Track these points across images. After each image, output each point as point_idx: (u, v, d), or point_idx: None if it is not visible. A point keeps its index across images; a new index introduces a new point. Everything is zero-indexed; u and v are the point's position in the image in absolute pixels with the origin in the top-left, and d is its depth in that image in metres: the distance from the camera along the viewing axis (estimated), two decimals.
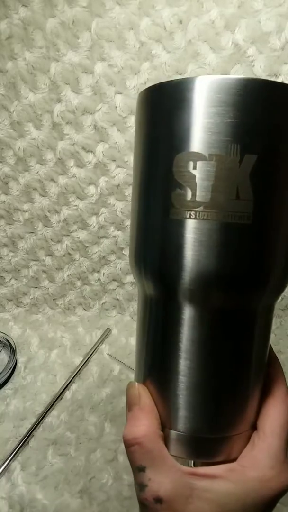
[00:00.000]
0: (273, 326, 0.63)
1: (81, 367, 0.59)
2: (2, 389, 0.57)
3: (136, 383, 0.29)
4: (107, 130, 0.61)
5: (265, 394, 0.29)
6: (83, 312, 0.72)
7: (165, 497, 0.24)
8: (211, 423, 0.27)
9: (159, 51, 0.57)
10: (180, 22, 0.56)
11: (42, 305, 0.73)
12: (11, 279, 0.72)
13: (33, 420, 0.51)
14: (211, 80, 0.23)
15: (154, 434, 0.26)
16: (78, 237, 0.68)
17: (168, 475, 0.25)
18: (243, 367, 0.27)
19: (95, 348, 0.63)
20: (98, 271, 0.70)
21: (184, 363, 0.26)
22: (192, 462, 0.29)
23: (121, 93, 0.59)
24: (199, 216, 0.23)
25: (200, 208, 0.23)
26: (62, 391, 0.55)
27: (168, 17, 0.55)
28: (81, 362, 0.60)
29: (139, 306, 0.30)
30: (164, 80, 0.25)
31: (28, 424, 0.51)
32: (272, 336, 0.61)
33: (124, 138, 0.61)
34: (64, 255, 0.69)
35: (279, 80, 0.55)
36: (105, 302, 0.72)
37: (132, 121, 0.60)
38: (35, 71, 0.60)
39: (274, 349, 0.61)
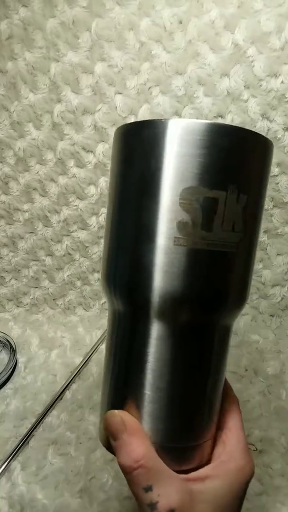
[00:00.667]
0: (274, 326, 0.64)
1: (81, 367, 0.59)
2: (2, 389, 0.57)
3: (116, 411, 0.29)
4: (107, 130, 0.61)
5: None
6: (83, 312, 0.72)
7: (177, 507, 0.26)
8: (187, 434, 0.29)
9: (159, 51, 0.57)
10: (180, 22, 0.56)
11: (42, 305, 0.73)
12: (11, 279, 0.72)
13: (33, 420, 0.51)
14: (220, 127, 0.26)
15: (151, 451, 0.27)
16: (78, 237, 0.68)
17: (173, 486, 0.27)
18: (208, 378, 0.30)
19: (95, 348, 0.63)
20: (98, 271, 0.70)
21: (154, 379, 0.29)
22: None
23: (121, 93, 0.59)
24: (199, 245, 0.27)
25: (202, 238, 0.27)
26: (62, 391, 0.55)
27: (168, 17, 0.55)
28: (81, 362, 0.60)
29: (108, 326, 0.32)
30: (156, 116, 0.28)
31: (28, 424, 0.51)
32: (272, 335, 0.62)
33: None
34: (64, 255, 0.69)
35: (279, 80, 0.55)
36: (105, 302, 0.72)
37: (132, 121, 0.60)
38: (35, 71, 0.60)
39: (274, 348, 0.62)
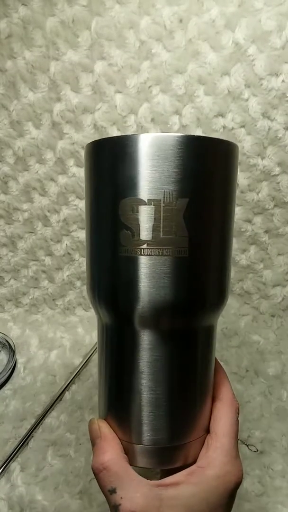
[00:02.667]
0: (274, 327, 0.64)
1: (81, 367, 0.59)
2: (2, 390, 0.57)
3: (96, 419, 0.32)
4: (107, 130, 0.61)
5: (214, 399, 0.33)
6: (83, 313, 0.71)
7: (140, 511, 0.26)
8: (169, 434, 0.30)
9: (159, 50, 0.57)
10: (180, 21, 0.56)
11: (42, 305, 0.73)
12: (10, 279, 0.72)
13: (32, 421, 0.51)
14: (150, 137, 0.27)
15: (118, 456, 0.29)
16: (78, 237, 0.68)
17: (137, 490, 0.27)
18: (193, 380, 0.31)
19: (94, 349, 0.62)
20: None
21: (140, 382, 0.30)
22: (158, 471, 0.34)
23: (121, 92, 0.59)
24: (143, 252, 0.28)
25: (144, 246, 0.28)
26: (62, 392, 0.55)
27: (168, 16, 0.55)
28: (81, 362, 0.60)
29: (98, 336, 0.34)
30: (109, 135, 0.28)
31: (27, 425, 0.51)
32: (272, 336, 0.62)
33: None
34: (63, 255, 0.69)
35: (279, 79, 0.55)
36: None
37: (132, 120, 0.60)
38: (35, 70, 0.60)
39: (275, 349, 0.61)
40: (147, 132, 0.33)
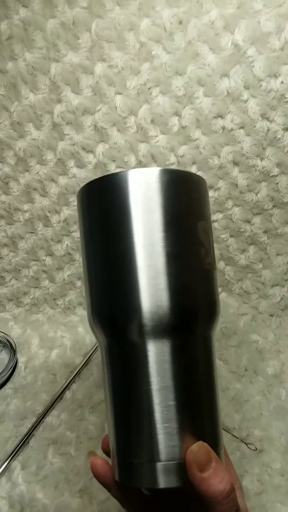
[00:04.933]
0: (273, 326, 0.64)
1: (81, 366, 0.59)
2: (3, 389, 0.57)
3: (202, 442, 0.30)
4: (107, 131, 0.61)
5: None
6: (83, 312, 0.72)
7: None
8: (183, 447, 0.29)
9: (159, 52, 0.57)
10: (180, 22, 0.56)
11: (43, 305, 0.73)
12: (11, 279, 0.72)
13: (33, 419, 0.51)
14: (172, 173, 0.32)
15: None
16: (78, 237, 0.68)
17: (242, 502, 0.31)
18: (210, 383, 0.32)
19: (95, 348, 0.63)
20: None
21: (153, 399, 0.30)
22: None
23: (121, 93, 0.59)
24: (207, 266, 0.32)
25: (208, 260, 0.32)
26: (62, 391, 0.55)
27: (168, 18, 0.56)
28: (81, 361, 0.60)
29: (103, 363, 0.34)
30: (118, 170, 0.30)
31: (28, 424, 0.51)
32: (271, 335, 0.62)
33: (124, 139, 0.61)
34: (64, 255, 0.69)
35: (279, 80, 0.55)
36: None
37: (132, 121, 0.60)
38: (36, 71, 0.60)
39: (274, 348, 0.62)
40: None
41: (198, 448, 0.29)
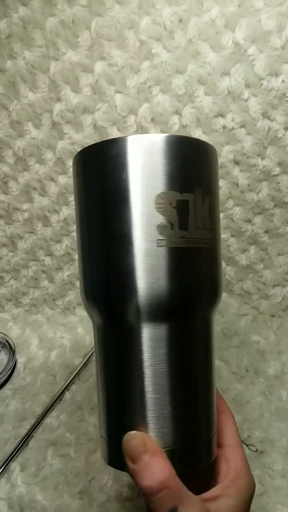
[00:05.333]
0: (274, 327, 0.64)
1: (81, 367, 0.59)
2: (2, 390, 0.57)
3: (136, 432, 0.29)
4: (107, 130, 0.61)
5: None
6: (83, 313, 0.71)
7: None
8: (180, 433, 0.29)
9: (159, 50, 0.57)
10: (180, 21, 0.56)
11: (42, 305, 0.73)
12: (10, 279, 0.72)
13: (32, 421, 0.51)
14: (176, 137, 0.30)
15: (174, 472, 0.27)
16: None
17: (195, 507, 0.27)
18: (207, 370, 0.32)
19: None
20: None
21: (146, 383, 0.29)
22: None
23: (121, 92, 0.59)
24: (177, 244, 0.29)
25: (180, 237, 0.29)
26: (62, 392, 0.55)
27: (168, 16, 0.55)
28: (81, 362, 0.60)
29: (96, 345, 0.33)
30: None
31: (27, 425, 0.51)
32: (272, 336, 0.62)
33: None
34: (63, 255, 0.69)
35: (279, 79, 0.55)
36: None
37: (132, 120, 0.60)
38: (35, 70, 0.60)
39: (275, 349, 0.61)
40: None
41: (130, 437, 0.29)
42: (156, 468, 0.27)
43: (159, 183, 0.29)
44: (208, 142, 0.32)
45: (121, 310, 0.30)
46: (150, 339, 0.29)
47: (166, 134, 0.29)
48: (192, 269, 0.30)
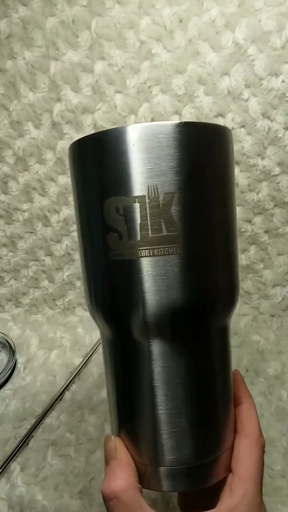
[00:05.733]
0: (274, 327, 0.64)
1: (81, 367, 0.59)
2: (2, 390, 0.57)
3: (113, 436, 0.29)
4: None
5: (238, 433, 0.30)
6: (83, 313, 0.71)
7: None
8: (194, 451, 0.27)
9: (159, 50, 0.57)
10: (180, 21, 0.55)
11: (42, 305, 0.73)
12: (10, 279, 0.72)
13: (32, 421, 0.51)
14: (127, 129, 0.25)
15: (132, 487, 0.26)
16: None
17: None
18: (212, 387, 0.29)
19: (95, 349, 0.62)
20: None
21: (154, 397, 0.27)
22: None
23: (121, 92, 0.59)
24: (135, 254, 0.25)
25: (135, 247, 0.25)
26: (62, 392, 0.55)
27: (168, 16, 0.55)
28: (81, 362, 0.60)
29: (104, 353, 0.31)
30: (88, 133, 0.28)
31: (27, 425, 0.50)
32: (272, 336, 0.62)
33: None
34: (63, 255, 0.69)
35: (279, 79, 0.55)
36: None
37: (132, 120, 0.60)
38: (35, 70, 0.60)
39: (275, 349, 0.61)
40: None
41: (107, 440, 0.29)
42: (115, 476, 0.27)
43: (106, 187, 0.26)
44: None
45: (127, 326, 0.27)
46: (154, 354, 0.27)
47: (109, 128, 0.25)
48: (156, 281, 0.26)
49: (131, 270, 0.26)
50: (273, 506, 0.42)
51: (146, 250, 0.25)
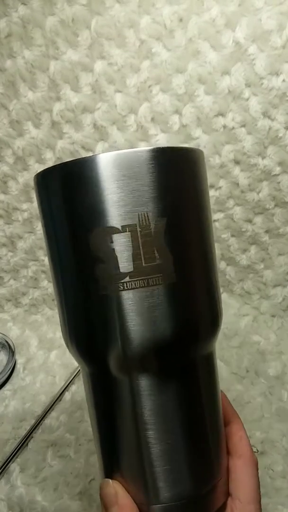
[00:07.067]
0: (275, 327, 0.63)
1: None
2: (1, 390, 0.57)
3: (110, 481, 0.28)
4: (107, 129, 0.61)
5: (231, 454, 0.30)
6: None
7: None
8: (191, 484, 0.27)
9: (159, 49, 0.57)
10: (181, 20, 0.55)
11: (41, 305, 0.72)
12: (10, 279, 0.72)
13: (32, 421, 0.51)
14: (109, 157, 0.24)
15: None
16: None
17: None
18: (203, 416, 0.28)
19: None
20: None
21: (146, 434, 0.26)
22: None
23: (121, 91, 0.59)
24: (126, 286, 0.24)
25: (126, 279, 0.24)
26: (62, 392, 0.55)
27: (168, 15, 0.55)
28: None
29: (85, 388, 0.30)
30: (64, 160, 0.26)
31: (27, 426, 0.50)
32: (273, 336, 0.61)
33: (124, 137, 0.61)
34: None
35: (280, 78, 0.54)
36: None
37: (132, 119, 0.60)
38: (34, 69, 0.59)
39: (275, 349, 0.61)
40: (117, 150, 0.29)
41: (105, 485, 0.27)
42: None
43: (91, 218, 0.24)
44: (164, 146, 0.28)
45: (104, 359, 0.26)
46: (148, 388, 0.26)
47: (90, 156, 0.24)
48: (152, 312, 0.25)
49: (122, 303, 0.24)
50: (273, 507, 0.42)
51: (139, 281, 0.24)
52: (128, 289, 0.24)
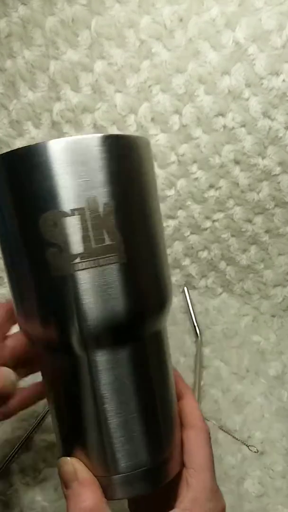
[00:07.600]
0: (275, 327, 0.63)
1: None
2: None
3: (69, 458, 0.28)
4: (107, 129, 0.61)
5: (184, 426, 0.32)
6: None
7: None
8: (148, 453, 0.28)
9: (159, 49, 0.57)
10: (181, 20, 0.55)
11: None
12: None
13: (32, 421, 0.51)
14: (59, 143, 0.25)
15: (101, 503, 0.27)
16: None
17: None
18: (158, 389, 0.29)
19: None
20: None
21: (103, 408, 0.27)
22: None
23: (121, 91, 0.59)
24: (78, 268, 0.25)
25: (77, 260, 0.25)
26: None
27: (168, 15, 0.55)
28: None
29: (44, 374, 0.32)
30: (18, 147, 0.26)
31: (27, 426, 0.50)
32: (273, 336, 0.61)
33: None
34: None
35: (280, 78, 0.54)
36: None
37: (132, 119, 0.60)
38: (34, 69, 0.59)
39: (275, 349, 0.61)
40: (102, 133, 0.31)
41: (63, 463, 0.28)
42: (81, 498, 0.27)
43: (42, 202, 0.25)
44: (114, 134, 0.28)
45: (67, 340, 0.27)
46: (104, 363, 0.27)
47: (42, 142, 0.25)
48: (106, 291, 0.26)
49: (75, 284, 0.26)
50: (273, 506, 0.42)
51: (90, 262, 0.25)
52: (79, 270, 0.25)
